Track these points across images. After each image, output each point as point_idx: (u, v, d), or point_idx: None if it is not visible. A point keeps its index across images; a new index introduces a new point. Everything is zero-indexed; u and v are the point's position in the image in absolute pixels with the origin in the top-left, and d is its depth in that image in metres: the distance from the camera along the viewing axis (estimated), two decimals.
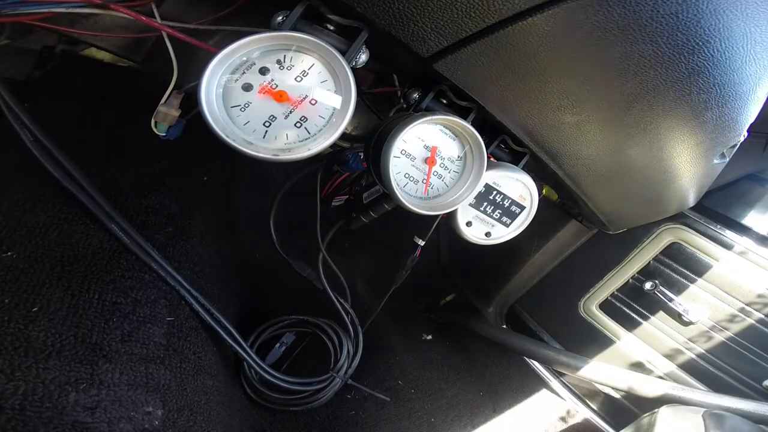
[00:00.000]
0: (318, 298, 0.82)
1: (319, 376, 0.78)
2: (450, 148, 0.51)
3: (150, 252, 0.55)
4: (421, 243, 0.74)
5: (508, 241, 0.62)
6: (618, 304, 0.93)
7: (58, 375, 0.40)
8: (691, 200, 0.80)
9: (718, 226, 0.84)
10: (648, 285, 0.87)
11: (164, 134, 0.55)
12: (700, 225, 0.85)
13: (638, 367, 0.89)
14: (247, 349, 0.66)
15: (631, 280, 0.91)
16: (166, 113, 0.53)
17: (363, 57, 0.45)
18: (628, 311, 0.92)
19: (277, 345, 0.84)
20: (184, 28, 0.49)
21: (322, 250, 0.74)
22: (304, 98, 0.42)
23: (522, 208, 0.59)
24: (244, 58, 0.41)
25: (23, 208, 0.50)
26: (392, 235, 1.05)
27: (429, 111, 0.53)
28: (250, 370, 0.73)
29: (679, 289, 0.85)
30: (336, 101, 0.43)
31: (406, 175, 0.50)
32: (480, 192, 0.57)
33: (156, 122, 0.54)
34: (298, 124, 0.43)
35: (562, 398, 1.03)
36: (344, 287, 0.82)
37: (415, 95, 0.54)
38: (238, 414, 0.67)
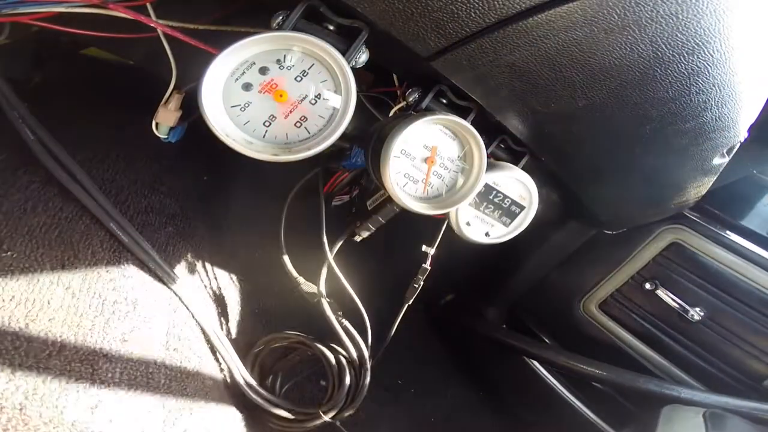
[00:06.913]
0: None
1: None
2: (450, 148, 0.51)
3: (150, 252, 0.55)
4: (431, 252, 0.71)
5: (507, 241, 0.62)
6: (618, 304, 0.93)
7: (58, 374, 0.40)
8: (691, 200, 0.80)
9: (718, 226, 0.84)
10: (648, 285, 0.87)
11: (166, 137, 0.55)
12: (700, 225, 0.85)
13: (638, 367, 0.89)
14: (237, 363, 0.65)
15: (631, 280, 0.91)
16: (167, 114, 0.53)
17: (363, 57, 0.45)
18: (628, 311, 0.91)
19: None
20: (183, 28, 0.49)
21: (329, 259, 0.68)
22: (304, 98, 0.42)
23: (521, 208, 0.60)
24: (245, 58, 0.41)
25: (23, 207, 0.50)
26: (396, 244, 1.05)
27: (429, 111, 0.53)
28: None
29: (679, 289, 0.85)
30: (336, 101, 0.43)
31: (406, 175, 0.50)
32: (480, 192, 0.57)
33: (157, 125, 0.54)
34: (298, 124, 0.43)
35: (562, 398, 1.03)
36: (361, 314, 0.73)
37: (415, 95, 0.53)
38: (238, 414, 0.67)
